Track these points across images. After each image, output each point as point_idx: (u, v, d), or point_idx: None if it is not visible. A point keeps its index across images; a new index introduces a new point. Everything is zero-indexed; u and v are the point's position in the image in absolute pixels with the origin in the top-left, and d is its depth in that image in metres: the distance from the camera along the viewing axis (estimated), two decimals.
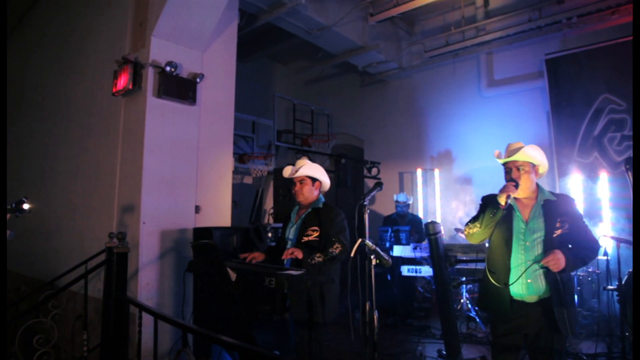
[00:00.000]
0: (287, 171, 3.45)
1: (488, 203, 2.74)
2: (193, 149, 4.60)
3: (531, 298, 2.65)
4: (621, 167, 6.20)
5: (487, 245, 2.97)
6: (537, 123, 7.25)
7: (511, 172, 2.75)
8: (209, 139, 4.79)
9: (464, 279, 5.41)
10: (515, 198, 2.74)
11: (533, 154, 2.74)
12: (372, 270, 2.58)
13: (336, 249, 3.04)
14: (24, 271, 6.13)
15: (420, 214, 8.14)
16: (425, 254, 5.76)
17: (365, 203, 2.68)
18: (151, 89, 4.26)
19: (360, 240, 2.59)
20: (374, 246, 2.60)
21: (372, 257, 2.59)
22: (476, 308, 5.70)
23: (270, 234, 6.45)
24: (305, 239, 3.24)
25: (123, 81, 4.34)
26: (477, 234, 2.78)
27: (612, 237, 4.61)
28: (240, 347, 1.97)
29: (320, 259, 2.99)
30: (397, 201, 6.91)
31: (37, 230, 5.84)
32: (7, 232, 3.01)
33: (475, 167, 7.88)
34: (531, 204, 2.75)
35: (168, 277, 4.31)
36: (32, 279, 5.75)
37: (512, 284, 2.64)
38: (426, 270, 5.82)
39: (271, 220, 7.95)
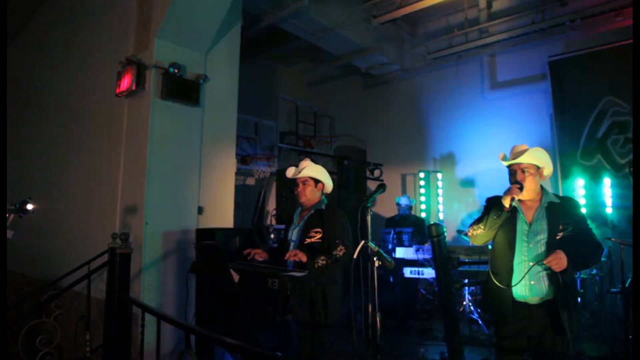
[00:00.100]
0: (291, 172, 3.45)
1: (492, 205, 2.75)
2: (196, 150, 4.61)
3: (534, 300, 2.65)
4: (624, 169, 6.19)
5: (489, 247, 2.97)
6: (540, 125, 7.24)
7: (516, 175, 2.75)
8: (212, 140, 4.79)
9: (466, 281, 5.40)
10: (519, 200, 2.74)
11: (538, 157, 2.74)
12: (375, 272, 2.58)
13: (340, 251, 3.04)
14: (27, 271, 6.14)
15: (423, 216, 8.14)
16: (427, 256, 5.75)
17: (368, 205, 2.68)
18: (155, 90, 4.27)
19: (363, 242, 2.59)
20: (376, 248, 2.60)
21: (374, 258, 2.59)
22: (479, 310, 5.69)
23: (272, 235, 6.45)
24: (308, 240, 3.24)
25: (126, 82, 4.35)
26: (481, 236, 2.79)
27: (615, 240, 4.60)
28: (243, 348, 1.97)
29: (323, 262, 2.99)
30: (399, 204, 6.91)
31: (40, 231, 5.85)
32: (10, 233, 3.02)
33: (478, 169, 7.87)
34: (535, 206, 2.76)
35: (171, 278, 4.31)
36: (35, 279, 5.76)
37: (514, 285, 2.64)
38: (429, 272, 5.81)
39: (273, 222, 7.96)
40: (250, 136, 8.59)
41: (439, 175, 8.30)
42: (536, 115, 7.32)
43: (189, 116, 4.54)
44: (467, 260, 5.36)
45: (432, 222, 4.68)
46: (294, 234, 3.40)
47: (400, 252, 6.06)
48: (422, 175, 8.37)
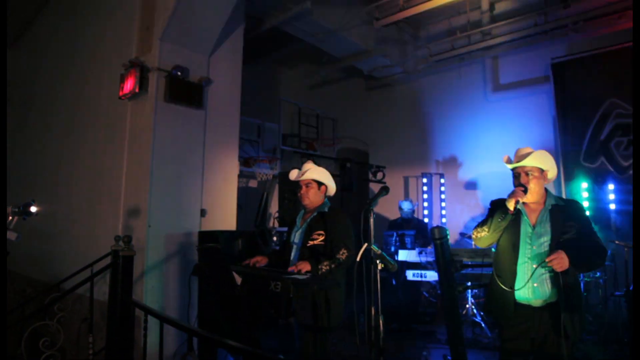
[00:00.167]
0: (294, 174, 3.45)
1: (497, 207, 2.75)
2: (199, 152, 4.62)
3: (537, 302, 2.65)
4: (628, 171, 6.17)
5: (492, 250, 2.96)
6: (543, 127, 7.22)
7: (520, 177, 2.75)
8: (215, 142, 4.80)
9: (469, 283, 5.37)
10: (523, 203, 2.73)
11: (542, 159, 2.73)
12: (378, 274, 2.57)
13: (342, 254, 3.04)
14: (30, 273, 6.16)
15: (425, 219, 8.12)
16: (430, 259, 5.74)
17: (371, 208, 2.68)
18: (158, 93, 4.28)
19: (366, 244, 2.58)
20: (379, 251, 2.60)
21: (377, 261, 2.58)
22: (482, 313, 5.67)
23: (275, 238, 6.45)
24: (311, 243, 3.23)
25: (130, 85, 4.37)
26: (485, 238, 2.79)
27: (619, 243, 4.59)
28: (245, 351, 1.96)
29: (327, 267, 2.98)
30: (401, 208, 6.90)
31: (44, 233, 5.87)
32: (13, 235, 3.02)
33: (480, 171, 7.86)
34: (539, 209, 2.75)
35: (173, 281, 4.31)
36: (39, 282, 5.78)
37: (519, 289, 2.63)
38: (431, 275, 5.79)
39: (276, 224, 7.95)
40: (252, 138, 8.59)
41: (442, 178, 8.28)
42: (539, 118, 7.31)
43: (192, 118, 4.56)
44: (470, 263, 5.34)
45: (434, 225, 4.66)
46: (296, 237, 3.39)
47: (403, 255, 6.05)
48: (424, 177, 8.36)
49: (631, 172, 6.04)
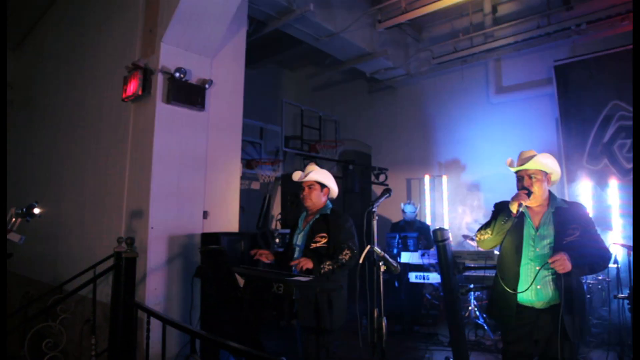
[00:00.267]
0: (297, 175, 3.45)
1: (500, 210, 2.75)
2: (201, 154, 4.62)
3: (540, 304, 2.64)
4: (631, 173, 6.15)
5: (495, 252, 2.96)
6: (546, 130, 7.22)
7: (523, 180, 2.75)
8: (218, 144, 4.81)
9: (472, 286, 5.37)
10: (526, 205, 2.73)
11: (546, 162, 2.73)
12: (381, 276, 2.57)
13: (345, 255, 3.04)
14: (33, 275, 6.17)
15: (428, 221, 8.12)
16: (433, 261, 5.73)
17: (373, 210, 2.68)
18: (160, 95, 4.29)
19: (368, 246, 2.58)
20: (382, 253, 2.60)
21: (380, 263, 2.58)
22: (484, 315, 5.66)
23: (277, 240, 6.45)
24: (313, 245, 3.22)
25: (133, 87, 4.38)
26: (488, 241, 2.80)
27: (622, 245, 4.57)
28: (248, 353, 1.97)
29: (330, 267, 2.98)
30: (403, 211, 6.91)
31: (46, 235, 5.88)
32: (17, 237, 3.04)
33: (483, 173, 7.85)
34: (542, 211, 2.75)
35: (176, 282, 4.31)
36: (41, 283, 5.79)
37: (522, 292, 2.63)
38: (434, 277, 5.79)
39: (278, 226, 7.96)
40: (255, 140, 8.62)
41: (444, 180, 8.28)
42: (542, 120, 7.31)
43: (195, 120, 4.56)
44: (472, 265, 5.34)
45: (437, 227, 4.66)
46: (299, 239, 3.39)
47: (406, 257, 6.05)
48: (427, 179, 8.35)
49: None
